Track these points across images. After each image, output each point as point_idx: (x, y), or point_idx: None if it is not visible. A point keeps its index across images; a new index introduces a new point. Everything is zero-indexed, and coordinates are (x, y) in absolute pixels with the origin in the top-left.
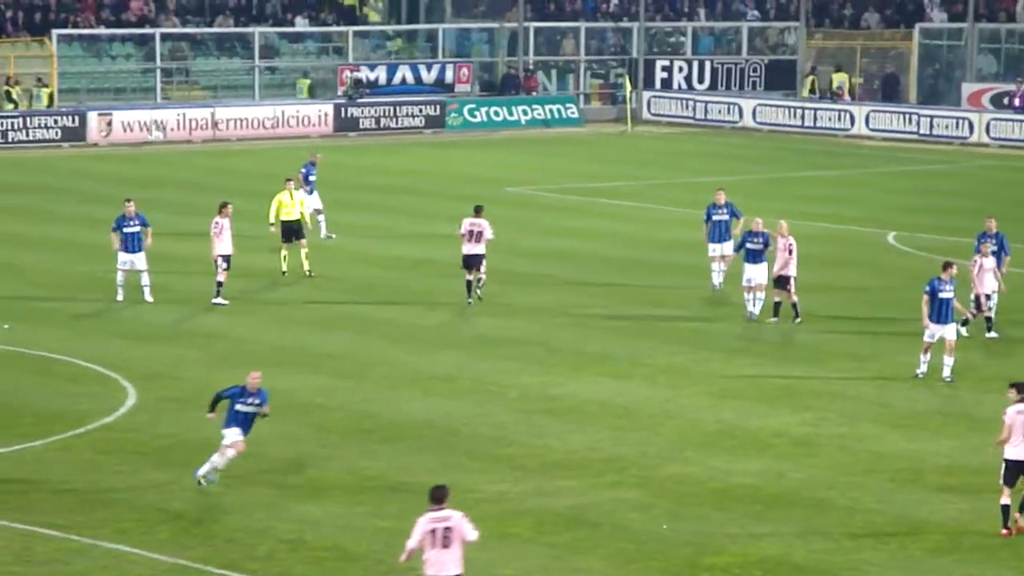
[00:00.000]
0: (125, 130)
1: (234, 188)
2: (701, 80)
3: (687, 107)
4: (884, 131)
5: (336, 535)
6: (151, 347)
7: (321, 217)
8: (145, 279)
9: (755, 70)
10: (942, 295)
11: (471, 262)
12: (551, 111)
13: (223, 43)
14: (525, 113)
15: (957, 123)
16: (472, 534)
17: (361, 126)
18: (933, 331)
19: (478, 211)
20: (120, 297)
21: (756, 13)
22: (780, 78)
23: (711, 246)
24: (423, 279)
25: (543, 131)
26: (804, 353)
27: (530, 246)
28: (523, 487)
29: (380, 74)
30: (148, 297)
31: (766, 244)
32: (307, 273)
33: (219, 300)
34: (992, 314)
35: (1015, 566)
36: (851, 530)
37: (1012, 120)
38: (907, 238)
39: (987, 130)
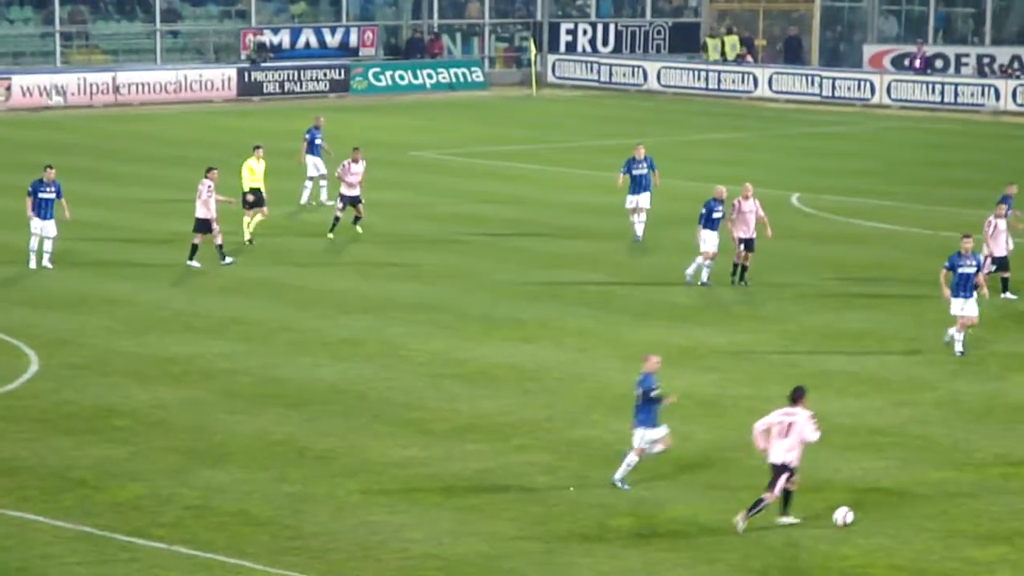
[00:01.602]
0: (24, 95)
1: (138, 153)
2: (605, 43)
3: (592, 70)
4: (787, 93)
5: (242, 500)
6: (55, 314)
7: (324, 183)
8: (48, 246)
9: (659, 33)
10: (962, 270)
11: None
12: (456, 75)
13: (124, 6)
14: (430, 77)
15: (859, 85)
16: (813, 435)
17: (265, 91)
18: (956, 305)
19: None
20: (32, 264)
21: None
22: (684, 41)
23: (629, 198)
24: (330, 244)
25: (448, 95)
26: (710, 315)
27: (437, 210)
28: (431, 451)
29: (284, 38)
30: (47, 263)
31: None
32: (248, 241)
33: (226, 260)
34: (1008, 274)
35: (916, 523)
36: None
37: (912, 81)
38: (810, 199)
39: (888, 91)
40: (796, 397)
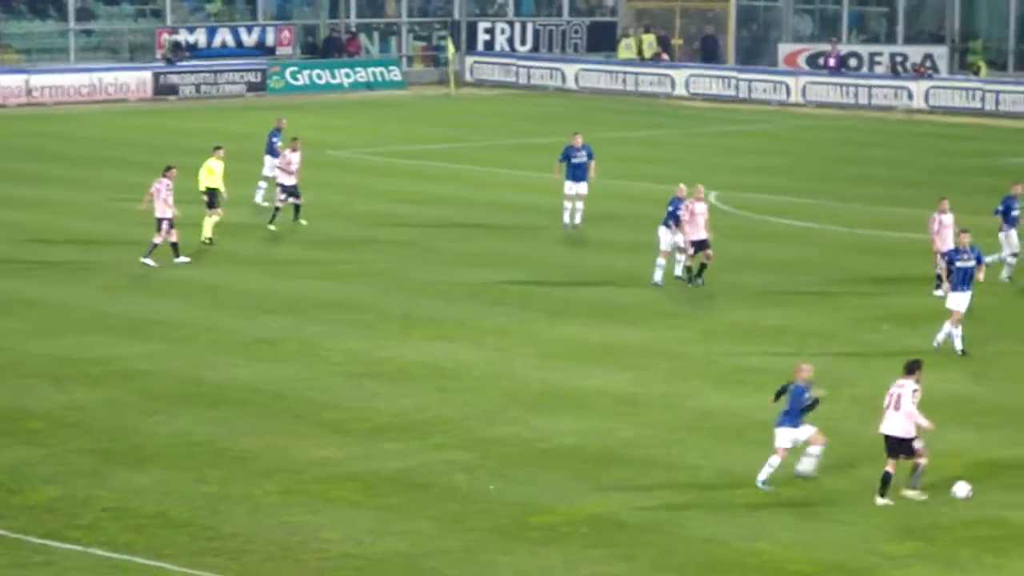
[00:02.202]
0: None
1: (52, 153)
2: (524, 42)
3: (510, 72)
4: (704, 94)
5: (161, 502)
6: None
7: (262, 184)
8: None
9: (576, 32)
10: (960, 264)
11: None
12: (374, 74)
13: (36, 5)
14: (348, 76)
15: (775, 87)
16: (912, 408)
17: (181, 92)
18: (954, 300)
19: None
20: None
21: None
22: (602, 39)
23: (568, 184)
24: (248, 243)
25: (366, 94)
26: (628, 313)
27: (355, 209)
28: (350, 451)
29: (200, 37)
30: None
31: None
32: (206, 240)
33: (179, 259)
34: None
35: (834, 519)
36: (675, 487)
37: (827, 84)
38: (728, 197)
39: (803, 92)
40: (910, 368)
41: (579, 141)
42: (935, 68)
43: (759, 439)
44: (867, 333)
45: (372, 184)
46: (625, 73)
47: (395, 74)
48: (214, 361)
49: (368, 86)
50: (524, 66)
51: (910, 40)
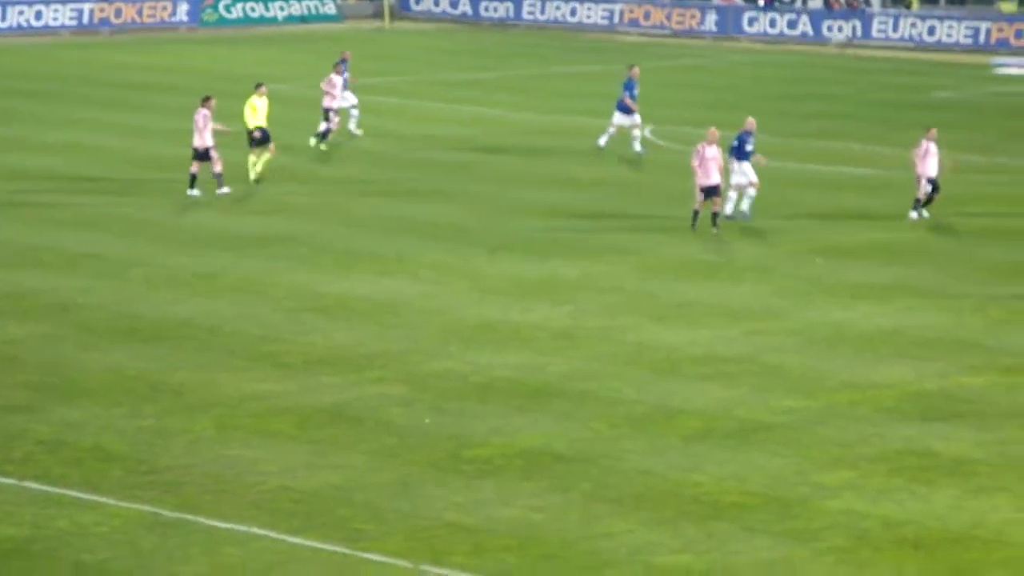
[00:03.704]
0: None
1: None
2: None
3: (447, 4)
4: (641, 27)
5: (96, 435)
6: None
7: (355, 112)
8: None
9: None
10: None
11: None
12: (308, 7)
13: None
14: (282, 9)
15: (710, 20)
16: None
17: (113, 23)
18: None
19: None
20: None
21: None
22: None
23: (618, 115)
24: (182, 177)
25: (300, 27)
26: (565, 248)
27: (292, 143)
28: (286, 384)
29: None
30: None
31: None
32: (255, 180)
33: (222, 190)
34: (936, 194)
35: (768, 450)
36: (611, 420)
37: (761, 17)
38: (665, 131)
39: (739, 26)
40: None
41: (636, 72)
42: (868, 2)
43: (695, 373)
44: (802, 267)
45: (308, 118)
46: (567, 4)
47: (329, 7)
48: (150, 296)
49: (303, 19)
50: (460, 0)
51: None
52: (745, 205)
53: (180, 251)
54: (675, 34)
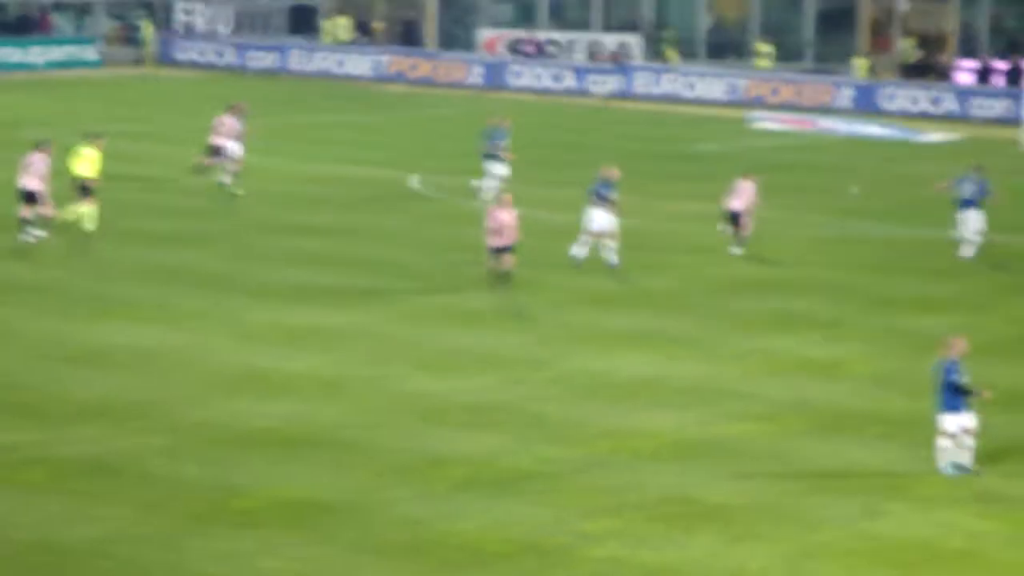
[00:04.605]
0: None
1: None
2: (226, 24)
3: (211, 52)
4: (404, 78)
5: None
6: None
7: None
8: None
9: (279, 14)
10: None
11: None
12: (69, 53)
13: None
14: (42, 54)
15: (474, 72)
16: None
17: None
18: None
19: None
20: None
21: None
22: (304, 21)
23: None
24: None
25: (62, 73)
26: (327, 296)
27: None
28: (39, 436)
29: None
30: None
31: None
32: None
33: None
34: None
35: (530, 499)
36: (377, 469)
37: (526, 70)
38: (429, 180)
39: (503, 77)
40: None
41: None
42: (629, 56)
43: (461, 421)
44: (564, 315)
45: (66, 164)
46: (330, 55)
47: (91, 53)
48: None
49: (64, 65)
50: (225, 49)
51: (607, 27)
52: (607, 253)
53: None
54: (437, 85)
